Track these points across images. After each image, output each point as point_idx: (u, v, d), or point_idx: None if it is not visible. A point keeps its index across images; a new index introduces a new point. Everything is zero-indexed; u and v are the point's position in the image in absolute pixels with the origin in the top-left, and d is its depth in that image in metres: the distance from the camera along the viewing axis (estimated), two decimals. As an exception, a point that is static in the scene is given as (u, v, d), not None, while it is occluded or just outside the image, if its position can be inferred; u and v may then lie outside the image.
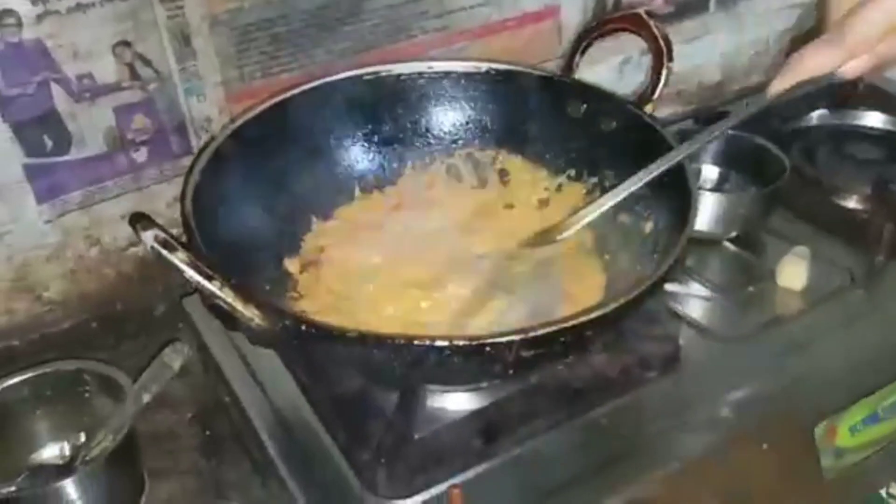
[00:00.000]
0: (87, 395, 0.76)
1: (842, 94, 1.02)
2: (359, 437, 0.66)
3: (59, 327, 0.89)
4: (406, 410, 0.64)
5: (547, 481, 0.65)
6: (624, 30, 0.77)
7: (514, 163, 0.85)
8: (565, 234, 0.71)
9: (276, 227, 0.77)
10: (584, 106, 0.78)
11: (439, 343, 0.54)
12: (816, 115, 1.03)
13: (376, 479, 0.64)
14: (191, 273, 0.53)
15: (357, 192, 0.84)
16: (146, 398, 0.72)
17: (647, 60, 1.13)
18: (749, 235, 0.86)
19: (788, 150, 0.90)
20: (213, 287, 0.54)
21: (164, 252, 0.53)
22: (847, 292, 0.82)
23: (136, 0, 0.79)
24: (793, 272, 0.81)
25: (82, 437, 0.77)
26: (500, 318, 0.69)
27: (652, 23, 0.73)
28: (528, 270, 0.72)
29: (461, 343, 0.54)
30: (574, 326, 0.55)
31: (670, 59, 0.74)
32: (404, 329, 0.67)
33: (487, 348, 0.54)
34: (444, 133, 0.85)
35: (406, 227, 0.79)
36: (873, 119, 1.03)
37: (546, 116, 0.81)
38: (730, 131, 0.79)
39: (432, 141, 0.85)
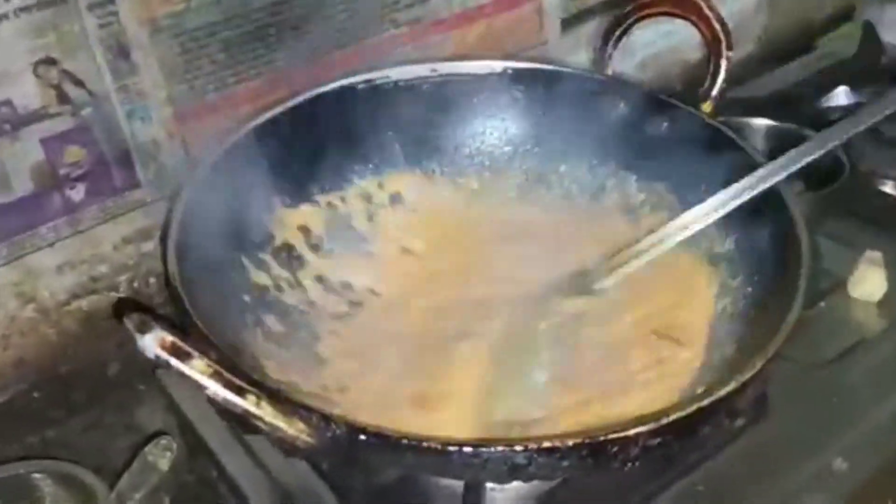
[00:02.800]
0: (46, 501, 0.60)
1: (862, 68, 0.91)
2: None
3: (-5, 402, 0.74)
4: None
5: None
6: (667, 14, 0.64)
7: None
8: (605, 284, 0.59)
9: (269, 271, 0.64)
10: (623, 105, 0.66)
11: (547, 444, 0.40)
12: (839, 93, 0.91)
13: None
14: (217, 389, 0.38)
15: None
16: (129, 510, 0.56)
17: (635, 42, 1.02)
18: (807, 243, 0.75)
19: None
20: (247, 405, 0.39)
21: (177, 363, 0.38)
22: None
23: (58, 7, 0.64)
24: (869, 282, 0.70)
25: (42, 554, 0.61)
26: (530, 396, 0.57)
27: (704, 4, 0.61)
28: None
29: (577, 442, 0.41)
30: (711, 404, 0.42)
31: (729, 47, 0.61)
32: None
33: (610, 446, 0.41)
34: (456, 147, 0.71)
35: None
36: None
37: (576, 121, 0.68)
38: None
39: (442, 156, 0.71)
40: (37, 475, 0.60)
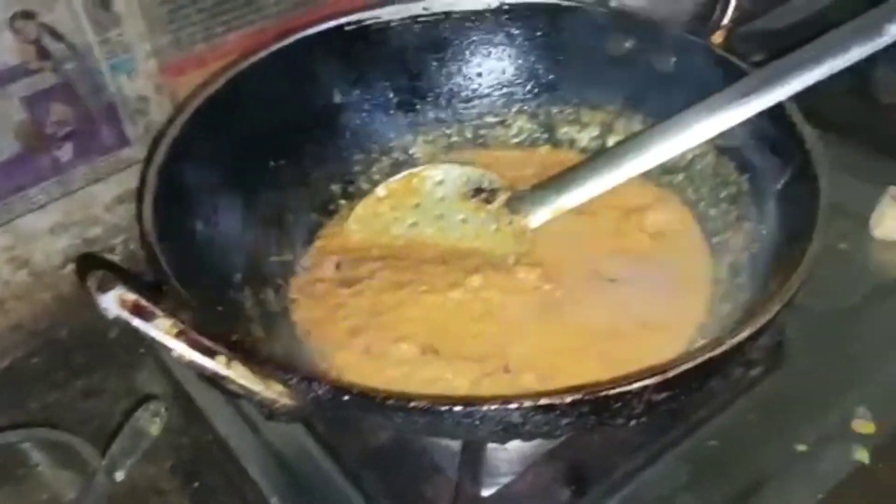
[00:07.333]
0: (39, 468, 0.59)
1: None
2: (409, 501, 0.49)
3: (-7, 369, 0.71)
4: (473, 464, 0.47)
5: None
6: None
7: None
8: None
9: (261, 228, 0.60)
10: (627, 40, 0.61)
11: (544, 402, 0.37)
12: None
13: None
14: (183, 350, 0.35)
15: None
16: (120, 476, 0.54)
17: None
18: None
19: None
20: (217, 367, 0.36)
21: (139, 323, 0.35)
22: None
23: (31, -44, 0.60)
24: (892, 220, 0.64)
25: (38, 526, 0.59)
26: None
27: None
28: None
29: (576, 399, 0.37)
30: (723, 354, 0.39)
31: (741, -31, 0.57)
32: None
33: (612, 401, 0.37)
34: (452, 91, 0.67)
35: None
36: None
37: (578, 59, 0.63)
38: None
39: (440, 103, 0.67)
40: (27, 445, 0.58)
